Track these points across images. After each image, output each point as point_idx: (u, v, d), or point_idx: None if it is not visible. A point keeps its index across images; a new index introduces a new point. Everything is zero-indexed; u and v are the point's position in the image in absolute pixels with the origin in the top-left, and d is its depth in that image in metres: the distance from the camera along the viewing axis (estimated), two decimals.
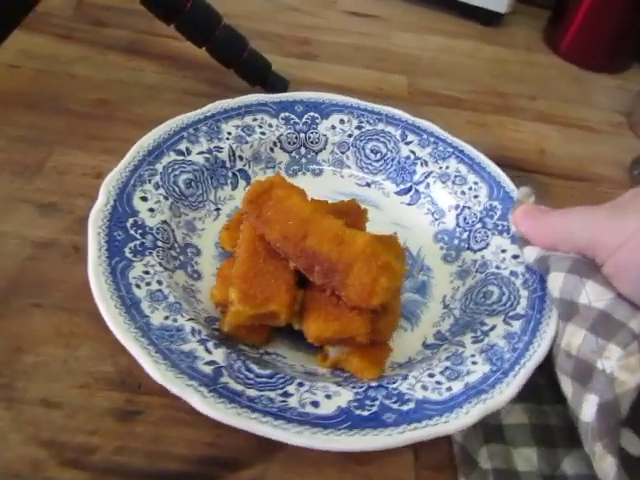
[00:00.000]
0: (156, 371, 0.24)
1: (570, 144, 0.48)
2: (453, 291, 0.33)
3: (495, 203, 0.36)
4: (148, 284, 0.29)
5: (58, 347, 0.28)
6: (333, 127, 0.40)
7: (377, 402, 0.26)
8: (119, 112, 0.43)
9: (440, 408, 0.25)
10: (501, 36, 0.60)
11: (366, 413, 0.25)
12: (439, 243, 0.36)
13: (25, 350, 0.28)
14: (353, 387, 0.26)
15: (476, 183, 0.37)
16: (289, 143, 0.40)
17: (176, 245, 0.33)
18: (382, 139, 0.40)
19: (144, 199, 0.32)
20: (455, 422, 0.25)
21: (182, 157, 0.36)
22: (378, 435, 0.24)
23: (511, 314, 0.30)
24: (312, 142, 0.40)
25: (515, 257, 0.33)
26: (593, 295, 0.26)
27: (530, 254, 0.31)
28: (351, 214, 0.33)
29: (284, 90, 0.45)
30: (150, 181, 0.33)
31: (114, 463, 0.25)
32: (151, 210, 0.32)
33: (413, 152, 0.39)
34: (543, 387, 0.29)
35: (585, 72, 0.58)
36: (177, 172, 0.35)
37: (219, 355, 0.26)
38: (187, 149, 0.36)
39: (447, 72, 0.53)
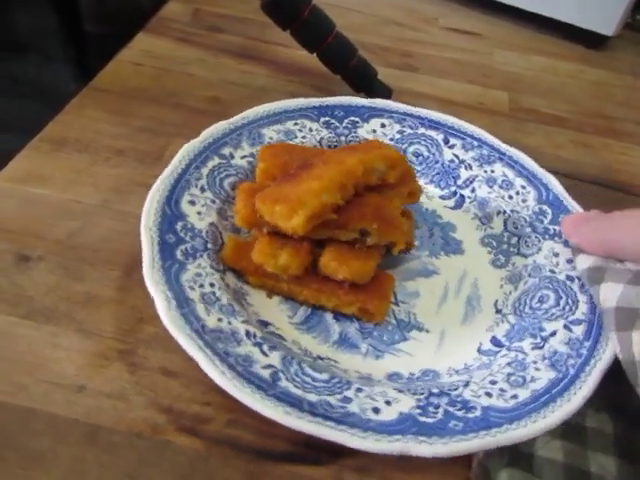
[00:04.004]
0: (215, 373, 0.25)
1: None
2: (505, 296, 0.33)
3: (545, 207, 0.35)
4: (201, 286, 0.29)
5: None
6: (374, 131, 0.40)
7: (441, 409, 0.25)
8: (230, 110, 0.44)
9: (508, 416, 0.25)
10: (605, 59, 0.59)
11: (431, 420, 0.25)
12: (486, 247, 0.36)
13: (146, 321, 0.30)
14: (413, 394, 0.26)
15: (524, 187, 0.37)
16: (330, 147, 0.39)
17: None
18: (424, 142, 0.40)
19: (192, 202, 0.33)
20: (526, 430, 0.24)
21: (225, 161, 0.36)
22: (447, 443, 0.24)
23: (571, 319, 0.29)
24: None
25: (569, 261, 0.32)
26: None
27: (583, 262, 0.30)
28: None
29: (388, 98, 0.46)
30: (196, 185, 0.33)
31: (227, 435, 0.25)
32: (199, 213, 0.32)
33: (456, 156, 0.39)
34: (591, 432, 0.27)
35: None
36: (222, 175, 0.35)
37: (275, 358, 0.26)
38: (230, 153, 0.36)
39: (550, 91, 0.52)
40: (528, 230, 0.35)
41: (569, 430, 0.27)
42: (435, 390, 0.27)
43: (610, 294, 0.28)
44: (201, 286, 0.29)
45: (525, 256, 0.34)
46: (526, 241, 0.35)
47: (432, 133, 0.40)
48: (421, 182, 0.38)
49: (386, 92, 0.46)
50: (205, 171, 0.35)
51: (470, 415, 0.25)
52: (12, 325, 0.28)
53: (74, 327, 0.29)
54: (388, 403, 0.25)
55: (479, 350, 0.30)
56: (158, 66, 0.48)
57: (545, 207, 0.35)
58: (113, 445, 0.24)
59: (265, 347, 0.27)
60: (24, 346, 0.27)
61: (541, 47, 0.59)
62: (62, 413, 0.25)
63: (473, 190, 0.38)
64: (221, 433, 0.26)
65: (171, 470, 0.24)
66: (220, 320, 0.27)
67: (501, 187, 0.37)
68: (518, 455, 0.26)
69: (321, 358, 0.29)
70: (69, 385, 0.26)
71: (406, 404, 0.26)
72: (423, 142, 0.40)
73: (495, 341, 0.30)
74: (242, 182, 0.34)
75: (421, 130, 0.40)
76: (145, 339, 0.29)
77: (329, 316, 0.31)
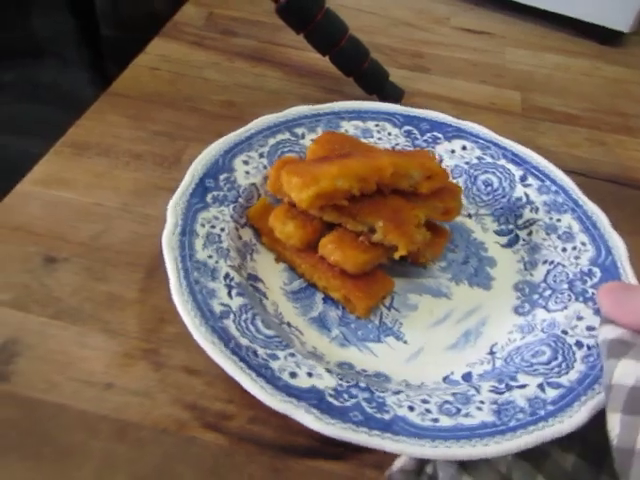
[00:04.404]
0: (175, 291, 0.28)
1: None
2: (507, 342, 0.31)
3: (596, 269, 0.32)
4: (212, 227, 0.32)
5: None
6: (453, 151, 0.39)
7: (353, 400, 0.25)
8: (245, 114, 0.45)
9: (414, 431, 0.24)
10: (621, 56, 0.58)
11: (336, 403, 0.25)
12: (516, 292, 0.33)
13: (167, 321, 0.30)
14: (341, 379, 0.26)
15: (584, 244, 0.34)
16: None
17: None
18: (499, 174, 0.38)
19: (245, 162, 0.36)
20: (420, 449, 0.23)
21: (295, 138, 0.38)
22: (334, 424, 0.24)
23: (551, 381, 0.27)
24: None
25: (589, 329, 0.29)
26: None
27: (608, 332, 0.26)
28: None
29: (399, 100, 0.46)
30: (257, 150, 0.37)
31: (249, 432, 0.26)
32: (247, 172, 0.36)
33: (527, 195, 0.37)
34: None
35: None
36: (285, 149, 0.38)
37: (235, 303, 0.28)
38: (302, 134, 0.39)
39: (563, 89, 0.53)
40: (564, 287, 0.32)
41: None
42: (362, 384, 0.26)
43: (630, 371, 0.24)
44: (212, 227, 0.32)
45: (549, 311, 0.31)
46: (558, 297, 0.32)
47: (512, 167, 0.38)
48: (482, 212, 0.38)
49: (398, 94, 0.47)
50: (272, 141, 0.38)
51: (377, 415, 0.24)
52: (43, 325, 0.29)
53: (100, 327, 0.30)
54: (309, 375, 0.26)
55: (445, 378, 0.29)
56: (174, 70, 0.49)
57: (596, 270, 0.32)
58: (141, 440, 0.25)
59: (234, 292, 0.29)
60: (54, 345, 0.28)
61: (554, 45, 0.59)
62: (92, 409, 0.26)
63: (530, 233, 0.36)
64: (244, 429, 0.26)
65: (197, 465, 0.25)
66: (210, 257, 0.30)
67: (559, 237, 0.34)
68: None
69: (290, 325, 0.30)
70: (97, 383, 0.27)
71: (325, 383, 0.26)
72: (499, 174, 0.38)
73: (467, 377, 0.29)
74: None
75: (501, 162, 0.39)
76: (167, 339, 0.30)
77: (319, 296, 0.32)
